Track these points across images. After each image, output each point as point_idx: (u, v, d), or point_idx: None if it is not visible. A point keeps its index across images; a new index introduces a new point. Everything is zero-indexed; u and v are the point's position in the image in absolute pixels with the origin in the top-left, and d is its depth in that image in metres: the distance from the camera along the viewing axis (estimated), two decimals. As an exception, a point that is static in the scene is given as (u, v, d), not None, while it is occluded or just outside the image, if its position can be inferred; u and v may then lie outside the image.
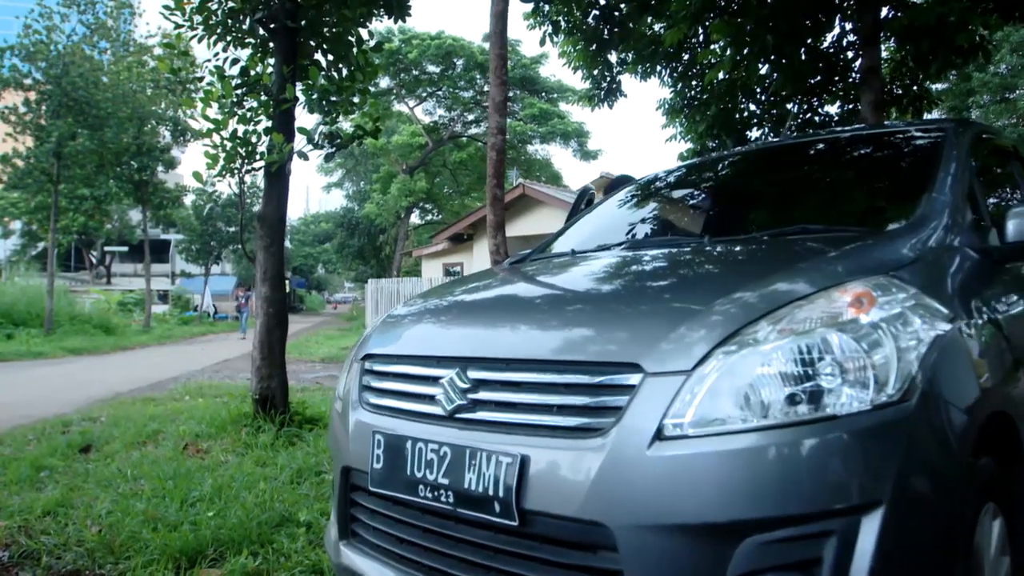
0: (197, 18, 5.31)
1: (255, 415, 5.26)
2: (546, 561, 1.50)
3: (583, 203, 3.37)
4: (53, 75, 17.48)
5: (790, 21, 6.96)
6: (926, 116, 10.18)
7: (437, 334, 2.04)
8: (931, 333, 1.51)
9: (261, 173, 5.49)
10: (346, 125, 7.40)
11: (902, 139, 2.68)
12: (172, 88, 20.17)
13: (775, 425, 1.37)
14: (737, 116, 9.11)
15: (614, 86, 9.51)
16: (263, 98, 5.44)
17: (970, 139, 2.38)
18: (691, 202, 2.96)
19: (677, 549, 1.36)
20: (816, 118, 9.07)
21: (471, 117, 31.51)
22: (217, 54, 5.48)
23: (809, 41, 7.73)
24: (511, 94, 29.70)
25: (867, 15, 6.79)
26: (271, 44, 5.56)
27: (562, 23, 8.68)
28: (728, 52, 7.42)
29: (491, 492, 1.54)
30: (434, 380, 1.79)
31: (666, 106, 9.59)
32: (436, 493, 1.66)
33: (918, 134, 2.64)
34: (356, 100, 5.84)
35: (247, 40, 5.59)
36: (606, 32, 8.52)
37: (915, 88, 8.44)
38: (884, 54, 8.02)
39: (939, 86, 8.99)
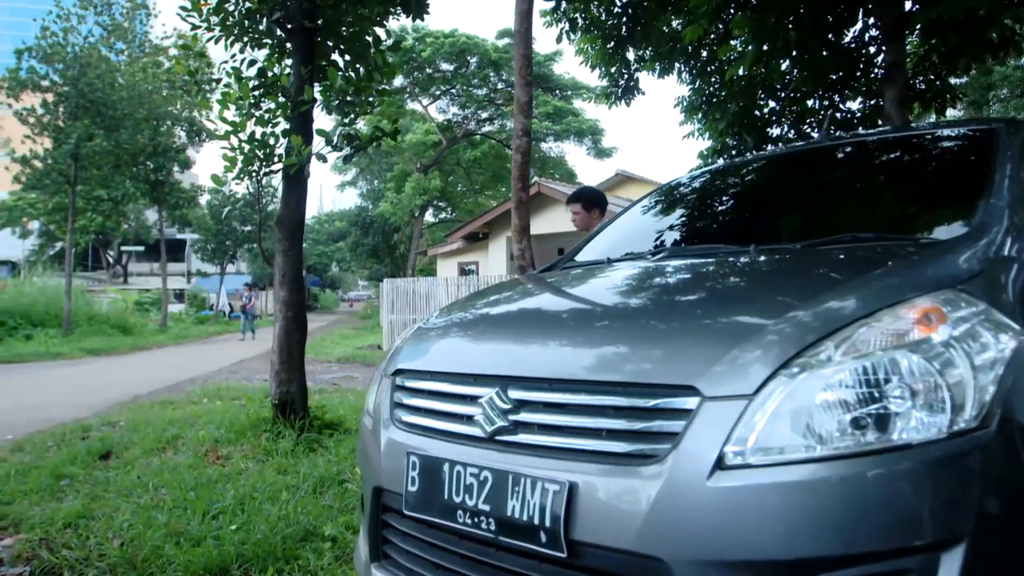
0: (214, 19, 5.26)
1: (274, 420, 5.21)
2: None
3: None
4: (70, 76, 17.58)
5: (814, 16, 6.82)
6: (950, 112, 10.01)
7: (473, 350, 1.95)
8: (1006, 352, 1.40)
9: (279, 175, 5.44)
10: (361, 125, 7.35)
11: (949, 140, 2.55)
12: (187, 89, 20.22)
13: (844, 454, 1.27)
14: (757, 113, 8.98)
15: (632, 84, 9.40)
16: (280, 99, 5.39)
17: (1023, 139, 2.27)
18: (728, 207, 2.83)
19: None
20: (838, 115, 8.92)
21: (485, 115, 31.42)
22: (234, 55, 5.43)
23: (831, 36, 7.60)
24: (522, 91, 29.60)
25: (891, 9, 6.65)
26: (288, 45, 5.50)
27: (579, 21, 8.58)
28: (750, 48, 7.29)
29: (537, 521, 1.46)
30: (472, 399, 1.70)
31: (684, 103, 9.47)
32: (476, 519, 1.58)
33: (965, 134, 2.52)
34: (373, 100, 5.77)
35: (264, 41, 5.53)
36: (624, 29, 8.42)
37: (938, 83, 8.28)
38: (907, 49, 7.86)
39: (957, 80, 8.79)
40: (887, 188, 2.39)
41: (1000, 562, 1.26)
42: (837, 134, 3.81)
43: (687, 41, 7.47)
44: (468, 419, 1.69)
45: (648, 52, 8.83)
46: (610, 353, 1.60)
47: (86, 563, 2.87)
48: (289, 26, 5.31)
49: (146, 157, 21.26)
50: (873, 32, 7.90)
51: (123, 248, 40.07)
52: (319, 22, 5.35)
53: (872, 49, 8.07)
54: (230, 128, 5.02)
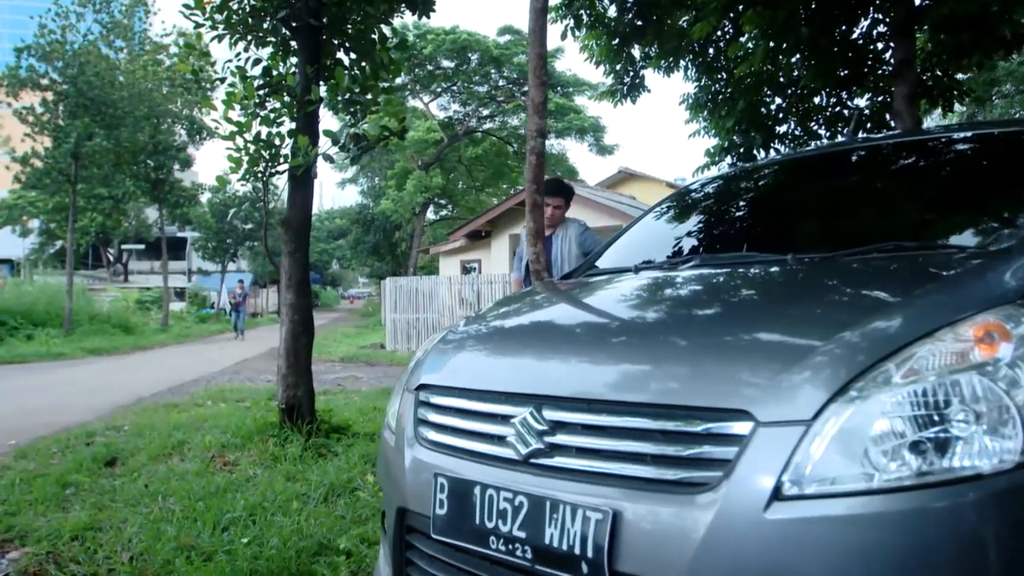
0: (218, 17, 5.17)
1: (281, 425, 5.13)
2: None
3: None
4: (69, 75, 17.47)
5: (825, 12, 6.75)
6: (957, 108, 9.90)
7: (503, 365, 1.86)
8: None
9: (283, 175, 5.36)
10: (365, 124, 7.24)
11: (996, 140, 2.42)
12: (188, 86, 20.13)
13: (913, 486, 1.19)
14: (764, 111, 8.90)
15: (637, 81, 9.31)
16: (286, 99, 5.31)
17: None
18: (756, 212, 2.70)
19: None
20: (845, 111, 8.85)
21: (486, 112, 31.30)
22: (239, 54, 5.34)
23: (839, 32, 7.51)
24: (525, 88, 29.50)
25: (901, 5, 6.56)
26: (293, 43, 5.41)
27: (584, 17, 8.49)
28: (760, 45, 7.20)
29: (578, 551, 1.38)
30: (503, 419, 1.62)
31: (690, 101, 9.38)
32: (510, 546, 1.50)
33: (1015, 134, 2.39)
34: (379, 99, 5.68)
35: (268, 39, 5.45)
36: (628, 26, 8.32)
37: (945, 79, 8.19)
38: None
39: (962, 76, 8.70)
40: (928, 193, 2.28)
41: None
42: (863, 134, 3.73)
43: (696, 38, 7.39)
44: (499, 440, 1.61)
45: (654, 49, 8.74)
46: (653, 373, 1.51)
47: (95, 579, 2.79)
48: (294, 24, 5.22)
49: (147, 155, 21.17)
50: (881, 28, 7.82)
51: (123, 246, 39.97)
52: (324, 20, 5.27)
53: (880, 45, 7.98)
54: (235, 128, 4.93)
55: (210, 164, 39.43)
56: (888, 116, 7.97)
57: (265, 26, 5.38)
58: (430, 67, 29.10)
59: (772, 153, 8.90)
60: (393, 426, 2.02)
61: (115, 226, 31.08)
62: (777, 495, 1.23)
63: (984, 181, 2.19)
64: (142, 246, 37.89)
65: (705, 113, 9.31)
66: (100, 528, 3.32)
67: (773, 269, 1.95)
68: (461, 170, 33.33)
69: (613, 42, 8.62)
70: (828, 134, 9.05)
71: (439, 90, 30.96)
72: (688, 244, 2.57)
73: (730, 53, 7.96)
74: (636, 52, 8.94)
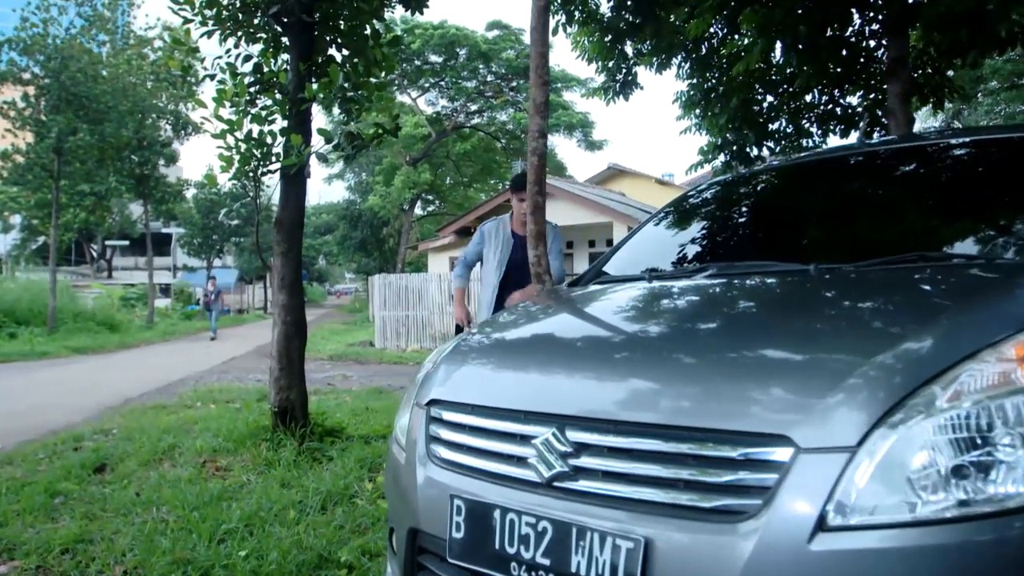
0: (207, 12, 5.05)
1: (274, 428, 5.04)
2: None
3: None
4: (51, 69, 17.17)
5: (823, 10, 6.71)
6: (948, 106, 9.91)
7: (521, 382, 1.78)
8: None
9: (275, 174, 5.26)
10: (356, 123, 7.15)
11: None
12: (172, 81, 19.87)
13: (959, 517, 1.14)
14: (756, 108, 8.87)
15: (630, 78, 9.24)
16: (278, 97, 5.20)
17: None
18: (771, 217, 2.61)
19: None
20: (837, 109, 8.84)
21: (474, 107, 31.17)
22: (229, 51, 5.23)
23: (835, 31, 7.49)
24: (514, 84, 29.39)
25: (895, 3, 6.54)
26: (284, 39, 5.31)
27: (576, 14, 8.41)
28: (756, 43, 7.16)
29: (608, 581, 1.32)
30: (523, 438, 1.55)
31: (683, 98, 9.33)
32: (534, 573, 1.43)
33: None
34: (371, 96, 5.59)
35: (259, 35, 5.34)
36: (624, 23, 8.25)
37: (937, 77, 8.19)
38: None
39: (951, 73, 8.72)
40: (952, 200, 2.20)
41: None
42: (875, 136, 3.66)
43: (691, 35, 7.34)
44: (520, 461, 1.54)
45: (647, 46, 8.68)
46: (684, 393, 1.44)
47: (87, 595, 2.71)
48: (286, 20, 5.11)
49: (131, 151, 20.89)
50: (874, 26, 7.80)
51: (107, 242, 39.53)
52: (316, 16, 5.17)
53: (872, 43, 7.96)
54: (226, 127, 4.83)
55: (196, 159, 39.10)
56: (881, 114, 7.96)
57: (256, 22, 5.27)
58: (418, 62, 28.92)
59: (765, 151, 8.89)
60: (402, 442, 1.94)
61: (99, 222, 30.67)
62: (821, 526, 1.17)
63: (1005, 189, 2.12)
64: (126, 242, 37.48)
65: (698, 110, 9.27)
66: (91, 540, 3.22)
67: (796, 280, 1.88)
68: (449, 166, 33.21)
69: (606, 39, 8.55)
70: (820, 132, 9.05)
71: (427, 85, 30.80)
72: (701, 250, 2.50)
73: (728, 50, 7.93)
74: (629, 49, 8.88)
